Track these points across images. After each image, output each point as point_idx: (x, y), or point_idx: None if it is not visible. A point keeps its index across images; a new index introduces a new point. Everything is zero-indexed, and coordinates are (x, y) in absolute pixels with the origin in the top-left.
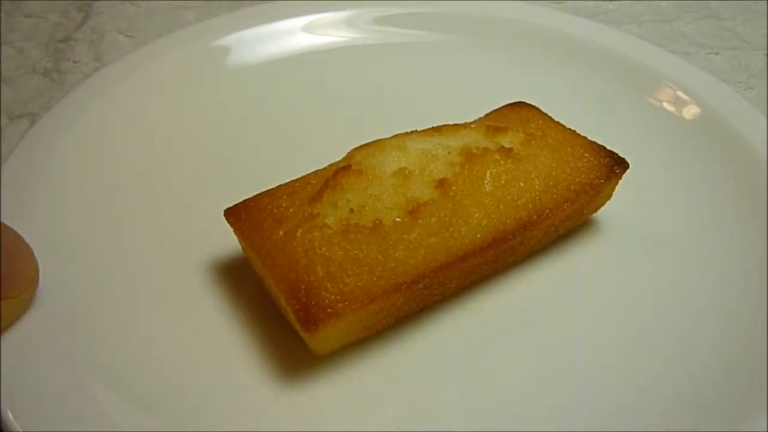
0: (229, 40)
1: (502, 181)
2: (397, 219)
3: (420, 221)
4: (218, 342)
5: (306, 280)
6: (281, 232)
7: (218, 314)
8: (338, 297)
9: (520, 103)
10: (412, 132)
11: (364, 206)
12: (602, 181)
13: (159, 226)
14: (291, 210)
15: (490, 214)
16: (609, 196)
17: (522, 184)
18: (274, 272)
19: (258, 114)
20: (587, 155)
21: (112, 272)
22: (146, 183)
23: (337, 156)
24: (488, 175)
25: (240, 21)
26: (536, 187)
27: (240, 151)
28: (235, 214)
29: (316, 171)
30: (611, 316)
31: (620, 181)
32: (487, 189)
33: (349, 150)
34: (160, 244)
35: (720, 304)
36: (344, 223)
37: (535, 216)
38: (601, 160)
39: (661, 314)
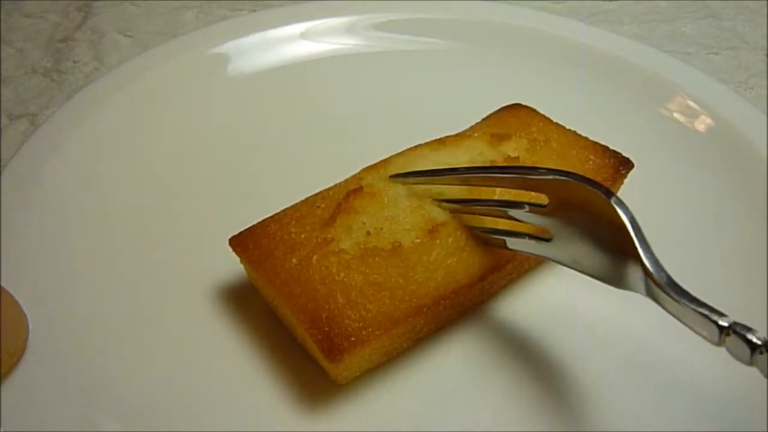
0: (228, 47)
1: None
2: (417, 240)
3: (438, 242)
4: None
5: (326, 308)
6: (295, 260)
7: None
8: (361, 324)
9: (516, 105)
10: (416, 147)
11: (381, 228)
12: (609, 182)
13: (158, 238)
14: (303, 236)
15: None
16: None
17: (532, 194)
18: (291, 302)
19: (256, 125)
20: (592, 157)
21: (109, 285)
22: (143, 197)
23: (341, 169)
24: (498, 189)
25: (239, 28)
26: None
27: (239, 166)
28: (241, 243)
29: (322, 193)
30: (626, 317)
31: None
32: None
33: (352, 165)
34: (160, 267)
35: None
36: (362, 246)
37: None
38: (606, 161)
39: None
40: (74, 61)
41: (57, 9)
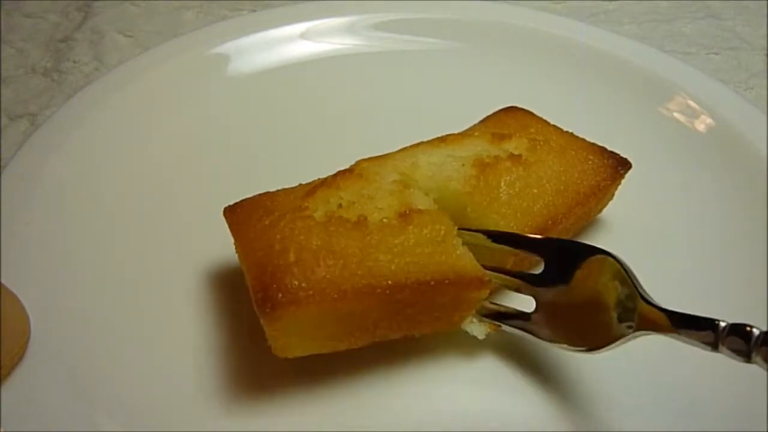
0: (228, 47)
1: (517, 189)
2: (384, 219)
3: (410, 228)
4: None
5: (275, 263)
6: (267, 222)
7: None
8: (304, 284)
9: (513, 107)
10: (419, 144)
11: (353, 203)
12: (609, 182)
13: (157, 238)
14: (283, 203)
15: (509, 223)
16: (612, 197)
17: (535, 191)
18: (248, 257)
19: (256, 125)
20: (591, 157)
21: (109, 285)
22: (143, 197)
23: (339, 167)
24: (503, 183)
25: (239, 28)
26: (548, 192)
27: (239, 165)
28: (233, 212)
29: (319, 178)
30: None
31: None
32: (503, 198)
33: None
34: (160, 267)
35: (728, 305)
36: (328, 215)
37: (550, 221)
38: (605, 161)
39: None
40: (74, 61)
41: (57, 9)
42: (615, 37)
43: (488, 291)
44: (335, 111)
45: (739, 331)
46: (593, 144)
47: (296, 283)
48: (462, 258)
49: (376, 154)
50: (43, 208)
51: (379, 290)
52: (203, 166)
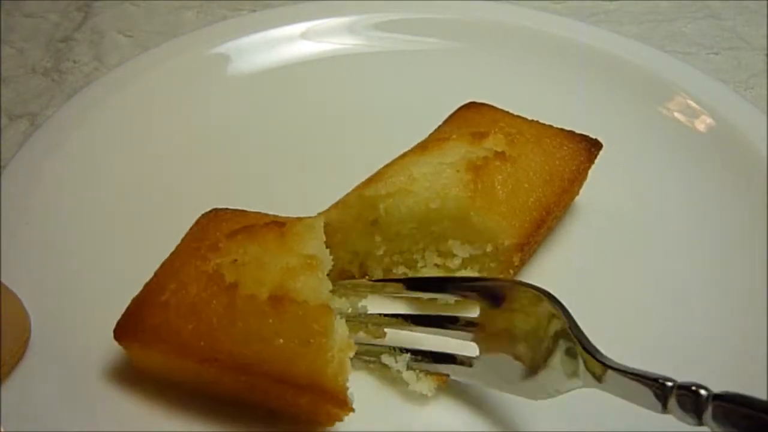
0: (228, 47)
1: (510, 187)
2: (254, 294)
3: (279, 317)
4: None
5: (152, 293)
6: (194, 245)
7: None
8: (158, 330)
9: (473, 103)
10: (404, 156)
11: (244, 265)
12: (587, 164)
13: (157, 237)
14: (215, 234)
15: (511, 221)
16: (586, 178)
17: (526, 186)
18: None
19: (256, 125)
20: (566, 143)
21: (109, 284)
22: (142, 197)
23: (342, 168)
24: (497, 183)
25: (239, 28)
26: (538, 184)
27: (239, 166)
28: (205, 217)
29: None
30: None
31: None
32: (501, 198)
33: (352, 164)
34: (158, 255)
35: (728, 305)
36: (215, 268)
37: (544, 212)
38: (579, 144)
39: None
40: (74, 61)
41: (57, 9)
42: (615, 37)
43: (347, 413)
44: (335, 111)
45: (687, 391)
46: (562, 129)
47: (149, 324)
48: (327, 368)
49: (377, 154)
50: (43, 208)
51: (223, 367)
52: (203, 166)
